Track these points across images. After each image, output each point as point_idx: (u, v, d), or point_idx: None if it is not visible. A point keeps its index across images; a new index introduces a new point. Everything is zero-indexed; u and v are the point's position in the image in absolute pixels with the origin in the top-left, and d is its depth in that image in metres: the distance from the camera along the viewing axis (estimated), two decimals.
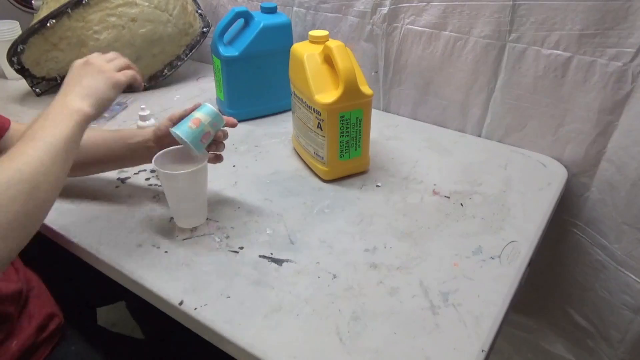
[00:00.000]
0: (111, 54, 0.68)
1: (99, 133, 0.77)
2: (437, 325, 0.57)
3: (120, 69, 0.66)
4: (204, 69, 1.37)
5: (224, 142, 0.73)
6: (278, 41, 1.00)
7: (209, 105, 0.70)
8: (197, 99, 1.18)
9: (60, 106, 0.58)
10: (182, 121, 0.68)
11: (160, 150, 0.70)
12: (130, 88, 0.68)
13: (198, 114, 0.69)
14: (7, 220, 0.47)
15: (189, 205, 0.71)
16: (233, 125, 0.72)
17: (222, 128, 0.72)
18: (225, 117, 0.71)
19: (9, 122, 0.75)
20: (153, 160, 0.67)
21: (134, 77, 0.66)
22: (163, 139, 0.72)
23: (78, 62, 0.64)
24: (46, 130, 0.55)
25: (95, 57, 0.65)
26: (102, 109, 0.62)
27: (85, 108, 0.59)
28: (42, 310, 0.68)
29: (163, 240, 0.70)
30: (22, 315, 0.66)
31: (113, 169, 0.83)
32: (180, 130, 0.67)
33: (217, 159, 0.74)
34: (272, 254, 0.67)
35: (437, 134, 1.01)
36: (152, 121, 0.94)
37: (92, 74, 0.62)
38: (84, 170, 0.79)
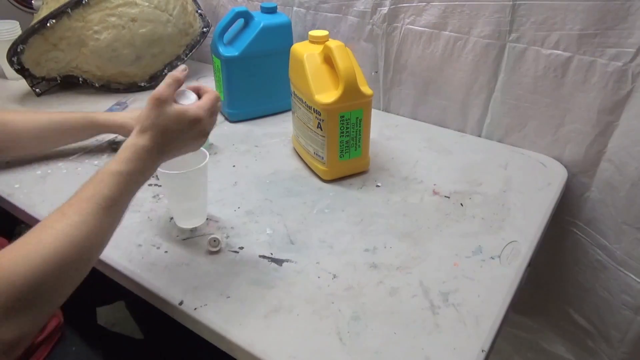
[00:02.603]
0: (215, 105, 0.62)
1: (65, 114, 0.84)
2: (437, 325, 0.57)
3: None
4: (204, 69, 1.37)
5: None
6: (278, 41, 1.00)
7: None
8: None
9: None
10: None
11: None
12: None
13: None
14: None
15: (189, 205, 0.71)
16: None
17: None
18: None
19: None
20: None
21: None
22: None
23: (192, 121, 0.58)
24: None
25: (208, 120, 0.60)
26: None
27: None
28: None
29: (163, 240, 0.70)
30: None
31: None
32: None
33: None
34: (272, 254, 0.67)
35: (437, 134, 1.01)
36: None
37: (193, 138, 0.60)
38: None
